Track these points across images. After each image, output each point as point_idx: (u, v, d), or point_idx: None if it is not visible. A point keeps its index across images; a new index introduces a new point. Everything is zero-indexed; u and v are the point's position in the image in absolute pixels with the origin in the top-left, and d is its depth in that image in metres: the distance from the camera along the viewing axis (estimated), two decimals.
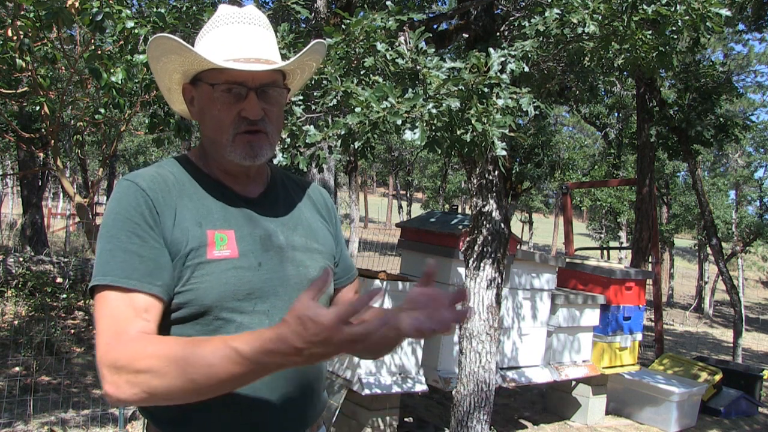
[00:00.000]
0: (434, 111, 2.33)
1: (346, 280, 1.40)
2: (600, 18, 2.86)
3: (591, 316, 5.19)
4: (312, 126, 2.74)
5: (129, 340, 1.00)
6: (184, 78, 1.23)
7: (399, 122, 2.28)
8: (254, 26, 1.21)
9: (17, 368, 5.25)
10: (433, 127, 2.37)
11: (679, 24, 2.87)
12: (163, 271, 1.08)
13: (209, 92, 1.17)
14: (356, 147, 2.56)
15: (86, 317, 6.82)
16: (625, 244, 21.08)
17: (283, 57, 1.37)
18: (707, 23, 2.84)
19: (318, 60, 1.31)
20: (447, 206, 27.31)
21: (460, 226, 4.37)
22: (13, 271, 7.03)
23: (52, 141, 4.77)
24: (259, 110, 1.16)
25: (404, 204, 34.28)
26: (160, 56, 1.19)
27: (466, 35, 3.93)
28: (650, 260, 7.99)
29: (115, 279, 1.05)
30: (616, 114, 15.95)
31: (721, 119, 8.33)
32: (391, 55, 2.62)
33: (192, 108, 1.25)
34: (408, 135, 2.28)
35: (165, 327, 1.11)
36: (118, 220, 1.09)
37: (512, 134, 2.52)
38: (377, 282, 3.99)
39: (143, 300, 1.05)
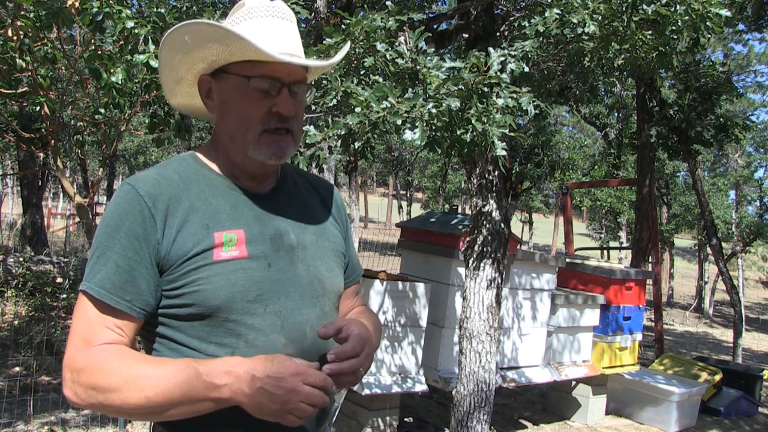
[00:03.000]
0: (434, 111, 2.33)
1: (351, 281, 1.40)
2: (600, 18, 2.86)
3: (591, 316, 5.19)
4: (312, 126, 2.74)
5: (95, 350, 1.05)
6: (208, 69, 1.20)
7: (399, 122, 2.28)
8: (286, 21, 1.19)
9: (17, 368, 5.25)
10: (433, 127, 2.37)
11: (679, 24, 2.87)
12: (135, 284, 1.08)
13: (241, 85, 1.14)
14: (356, 147, 2.56)
15: None
16: (625, 244, 21.07)
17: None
18: (707, 23, 2.84)
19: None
20: (447, 206, 27.30)
21: (460, 226, 4.37)
22: (13, 271, 7.03)
23: (52, 141, 4.77)
24: (292, 107, 1.15)
25: (404, 204, 34.26)
26: (195, 45, 1.14)
27: (466, 35, 3.93)
28: (650, 260, 7.99)
29: (92, 287, 1.07)
30: (616, 114, 15.95)
31: (721, 119, 8.32)
32: (391, 55, 2.62)
33: (209, 101, 1.22)
34: (408, 135, 2.28)
35: (174, 326, 1.11)
36: (109, 226, 1.10)
37: (512, 134, 2.52)
38: (377, 282, 3.99)
39: (113, 313, 1.07)
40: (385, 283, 4.01)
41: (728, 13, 2.90)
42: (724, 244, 13.38)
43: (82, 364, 1.03)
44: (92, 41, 4.08)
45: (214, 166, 1.21)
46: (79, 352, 1.05)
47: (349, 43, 1.23)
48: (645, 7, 2.85)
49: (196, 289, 1.09)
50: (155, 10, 3.43)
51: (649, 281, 7.36)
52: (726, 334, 13.95)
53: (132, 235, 1.08)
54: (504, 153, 2.44)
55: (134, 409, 1.01)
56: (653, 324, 8.29)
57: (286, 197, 1.26)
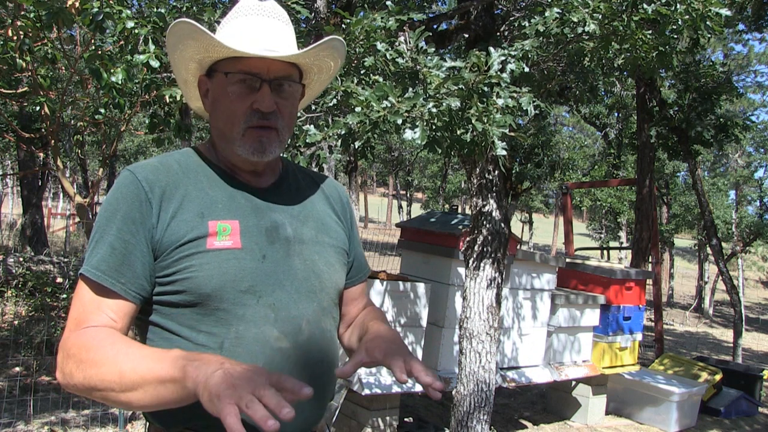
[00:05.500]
0: (434, 110, 2.33)
1: (357, 279, 1.39)
2: (600, 17, 2.86)
3: (591, 316, 5.19)
4: (312, 126, 2.74)
5: (85, 330, 1.05)
6: (200, 69, 1.23)
7: (399, 122, 2.28)
8: (273, 19, 1.20)
9: (17, 368, 5.25)
10: (434, 127, 2.37)
11: (680, 23, 2.87)
12: (131, 267, 1.08)
13: (223, 82, 1.17)
14: (356, 147, 2.56)
15: None
16: (625, 244, 21.07)
17: None
18: (707, 23, 2.84)
19: (337, 60, 1.28)
20: (447, 206, 27.28)
21: (460, 226, 4.37)
22: (13, 271, 7.03)
23: (52, 141, 4.78)
24: (272, 103, 1.15)
25: (404, 204, 34.27)
26: (177, 43, 1.18)
27: (466, 35, 3.93)
28: (650, 260, 7.99)
29: (88, 269, 1.08)
30: (616, 114, 15.93)
31: (721, 119, 8.32)
32: (391, 54, 2.62)
33: (206, 100, 1.24)
34: (408, 134, 2.28)
35: (166, 314, 1.12)
36: (108, 210, 1.11)
37: (512, 134, 2.52)
38: (377, 282, 3.99)
39: (108, 295, 1.08)
40: (385, 283, 4.01)
41: (728, 13, 2.90)
42: (724, 244, 13.37)
43: (71, 343, 1.04)
44: (92, 41, 4.08)
45: (214, 161, 1.23)
46: (71, 333, 1.06)
47: (330, 38, 1.23)
48: (645, 6, 2.85)
49: (188, 276, 1.09)
50: (155, 10, 3.43)
51: (649, 281, 7.36)
52: (726, 334, 13.94)
53: (129, 219, 1.09)
54: (504, 153, 2.44)
55: (109, 387, 0.98)
56: (653, 324, 8.29)
57: (286, 192, 1.26)
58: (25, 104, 4.75)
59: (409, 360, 1.08)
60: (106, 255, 1.08)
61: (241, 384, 0.85)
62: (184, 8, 3.49)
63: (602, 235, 25.13)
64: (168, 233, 1.10)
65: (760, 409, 6.63)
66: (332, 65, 1.29)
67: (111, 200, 1.12)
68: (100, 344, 1.02)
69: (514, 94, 2.53)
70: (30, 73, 4.28)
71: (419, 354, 4.20)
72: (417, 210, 28.80)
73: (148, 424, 1.17)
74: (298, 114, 2.77)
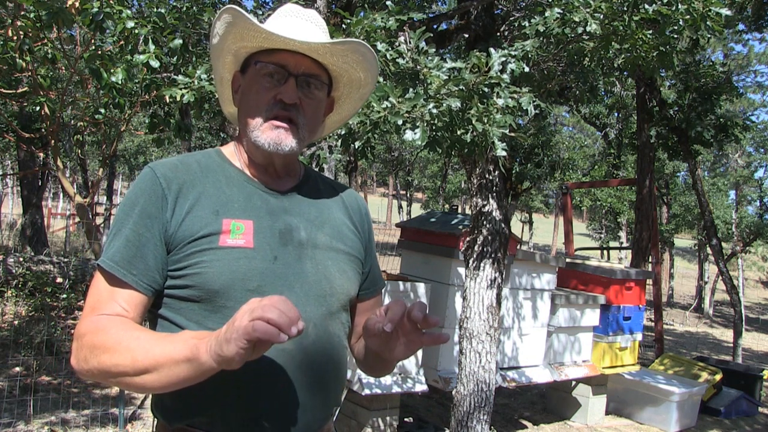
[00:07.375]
0: (435, 111, 2.33)
1: (372, 292, 1.39)
2: (601, 17, 2.85)
3: (591, 317, 5.19)
4: None
5: (99, 317, 1.08)
6: (236, 63, 1.26)
7: (400, 122, 2.28)
8: (310, 24, 1.23)
9: (17, 368, 5.25)
10: (434, 127, 2.37)
11: (680, 23, 2.86)
12: (143, 259, 1.11)
13: (253, 72, 1.20)
14: (356, 147, 2.56)
15: None
16: (625, 244, 21.08)
17: None
18: (708, 23, 2.84)
19: (367, 72, 1.29)
20: (447, 206, 27.26)
21: (460, 226, 4.37)
22: (13, 271, 7.03)
23: (52, 141, 4.78)
24: (295, 95, 1.18)
25: (404, 204, 34.25)
26: (219, 32, 1.21)
27: (466, 35, 3.93)
28: (650, 260, 7.99)
29: (104, 260, 1.11)
30: (616, 114, 15.92)
31: (721, 119, 8.31)
32: (391, 54, 2.63)
33: (236, 96, 1.27)
34: (409, 135, 2.28)
35: (175, 308, 1.13)
36: (126, 205, 1.15)
37: (512, 134, 2.52)
38: None
39: (121, 286, 1.11)
40: (385, 283, 4.01)
41: (729, 13, 2.90)
42: (724, 244, 13.37)
43: (85, 329, 1.07)
44: (92, 41, 4.08)
45: (235, 162, 1.25)
46: (85, 319, 1.09)
47: (356, 41, 1.23)
48: (646, 6, 2.85)
49: (198, 272, 1.11)
50: (155, 10, 3.42)
51: (649, 281, 7.36)
52: (726, 334, 13.95)
53: (144, 213, 1.13)
54: (504, 153, 2.44)
55: (123, 372, 1.01)
56: (653, 324, 8.29)
57: (304, 197, 1.27)
58: (25, 104, 4.75)
59: (412, 306, 1.07)
60: (121, 247, 1.11)
61: (247, 310, 0.92)
62: (184, 8, 3.50)
63: (602, 235, 25.13)
64: (182, 228, 1.12)
65: (760, 409, 6.64)
66: (362, 77, 1.30)
67: (131, 195, 1.16)
68: (113, 330, 1.04)
69: (515, 95, 2.54)
70: (30, 73, 4.28)
71: (419, 354, 4.20)
72: (417, 210, 28.80)
73: (155, 421, 1.19)
74: None
